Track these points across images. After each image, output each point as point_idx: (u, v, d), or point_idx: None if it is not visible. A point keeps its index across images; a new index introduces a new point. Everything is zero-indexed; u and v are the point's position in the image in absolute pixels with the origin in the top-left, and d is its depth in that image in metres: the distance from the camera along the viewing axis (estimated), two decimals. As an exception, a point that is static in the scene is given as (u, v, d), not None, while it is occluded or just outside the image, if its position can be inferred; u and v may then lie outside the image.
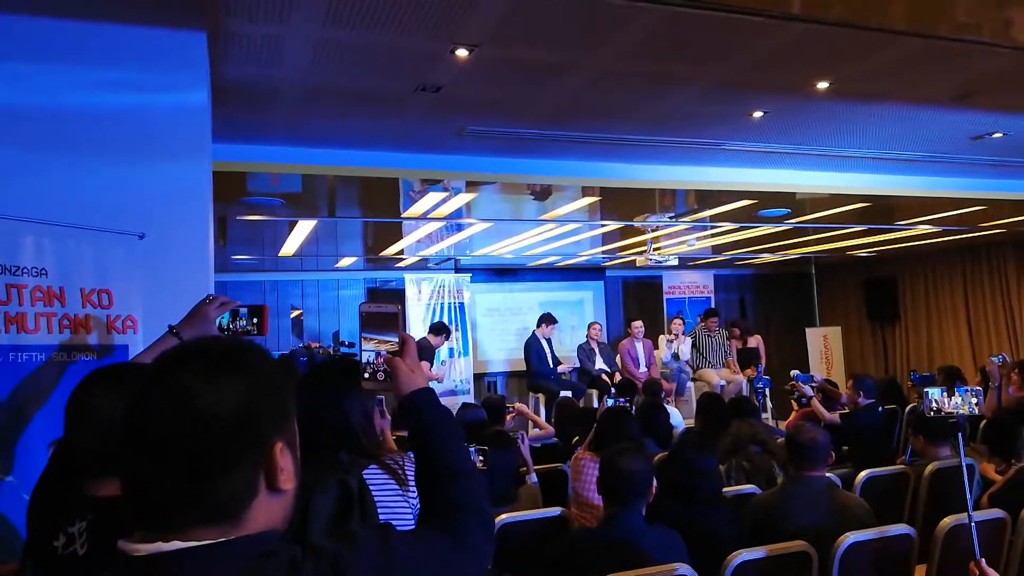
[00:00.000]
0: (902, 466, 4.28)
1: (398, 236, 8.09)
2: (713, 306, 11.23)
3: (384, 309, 1.39)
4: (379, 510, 1.66)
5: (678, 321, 9.23)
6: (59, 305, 2.45)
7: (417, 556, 1.04)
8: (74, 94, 2.76)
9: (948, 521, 2.98)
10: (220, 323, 2.14)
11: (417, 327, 9.26)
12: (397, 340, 1.35)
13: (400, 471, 1.70)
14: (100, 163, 2.74)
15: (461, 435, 1.34)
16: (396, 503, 1.69)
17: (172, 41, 2.89)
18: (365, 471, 1.67)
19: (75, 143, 2.72)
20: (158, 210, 2.76)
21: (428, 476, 1.24)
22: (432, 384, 8.24)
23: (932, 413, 2.54)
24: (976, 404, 2.53)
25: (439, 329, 8.05)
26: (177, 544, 0.87)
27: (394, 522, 1.69)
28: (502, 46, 3.53)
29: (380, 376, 1.36)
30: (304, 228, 7.19)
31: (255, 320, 2.18)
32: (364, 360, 1.36)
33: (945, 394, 2.51)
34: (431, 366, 8.01)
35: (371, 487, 1.65)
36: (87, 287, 2.52)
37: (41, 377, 2.39)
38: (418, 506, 1.30)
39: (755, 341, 9.29)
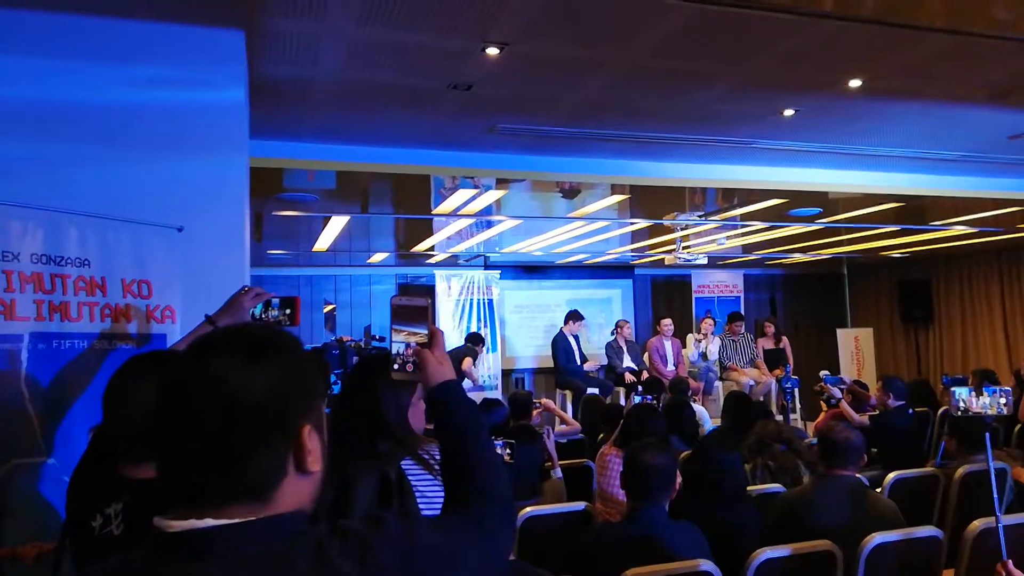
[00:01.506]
0: (932, 468, 4.23)
1: (429, 232, 8.16)
2: (742, 306, 11.16)
3: (414, 302, 1.42)
4: (418, 499, 1.70)
5: (708, 321, 9.17)
6: (100, 295, 2.54)
7: (441, 542, 1.06)
8: (117, 90, 2.84)
9: (978, 524, 2.92)
10: (254, 313, 2.20)
11: (447, 323, 9.34)
12: (427, 332, 1.39)
13: (433, 462, 1.73)
14: (141, 157, 2.82)
15: (486, 426, 1.36)
16: (435, 492, 1.72)
17: (212, 39, 2.97)
18: (403, 462, 1.71)
19: (117, 138, 2.81)
20: (196, 204, 2.84)
21: (453, 466, 1.27)
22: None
23: (959, 413, 2.52)
24: (1005, 404, 2.50)
25: (476, 339, 8.35)
26: (210, 522, 0.90)
27: (433, 510, 1.73)
28: (532, 44, 3.56)
29: (409, 367, 1.39)
30: (337, 224, 7.29)
31: (287, 311, 2.25)
32: (394, 351, 1.39)
33: (973, 394, 2.48)
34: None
35: (409, 476, 1.69)
36: (127, 278, 2.60)
37: (82, 364, 2.47)
38: None
39: (783, 342, 9.24)
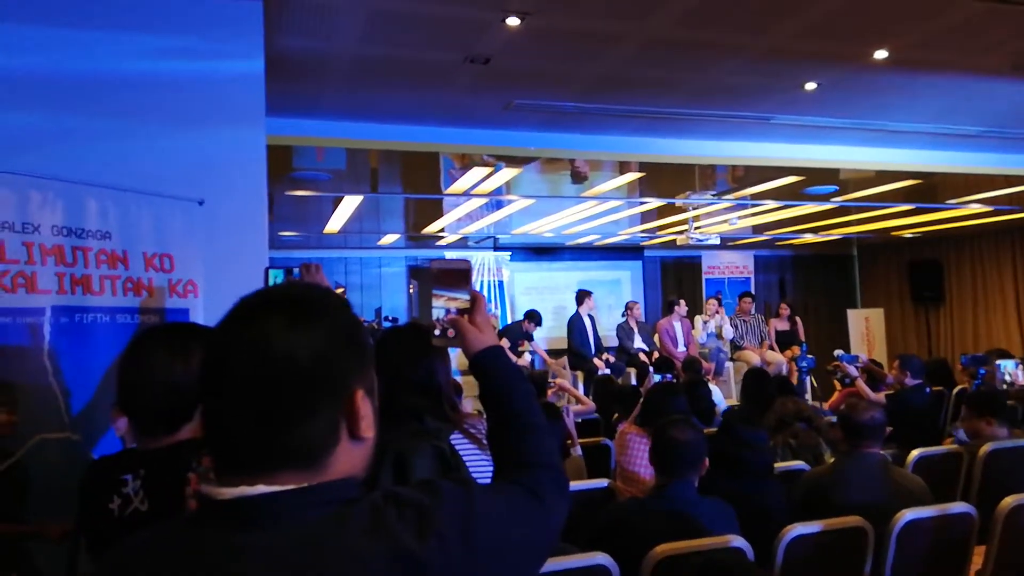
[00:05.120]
0: (955, 446, 4.19)
1: (439, 213, 8.10)
2: (752, 287, 11.11)
3: (455, 266, 1.37)
4: (471, 473, 1.66)
5: (713, 301, 9.15)
6: (123, 268, 2.49)
7: (498, 508, 1.02)
8: (136, 61, 2.79)
9: (1010, 501, 2.88)
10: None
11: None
12: (468, 297, 1.34)
13: (481, 436, 1.69)
14: (160, 130, 2.78)
15: (532, 391, 1.31)
16: (483, 466, 1.67)
17: (230, 10, 2.91)
18: (451, 436, 1.67)
19: (135, 109, 2.76)
20: (216, 177, 2.79)
21: (502, 433, 1.22)
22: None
23: (1005, 387, 2.46)
24: (1053, 377, 2.44)
25: (532, 316, 8.59)
26: (262, 488, 0.86)
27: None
28: (552, 14, 3.49)
29: (451, 333, 1.34)
30: (349, 204, 7.24)
31: None
32: (435, 317, 1.35)
33: (1020, 367, 2.43)
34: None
35: (458, 451, 1.65)
36: (149, 251, 2.55)
37: (106, 338, 2.43)
38: None
39: (796, 323, 9.23)
